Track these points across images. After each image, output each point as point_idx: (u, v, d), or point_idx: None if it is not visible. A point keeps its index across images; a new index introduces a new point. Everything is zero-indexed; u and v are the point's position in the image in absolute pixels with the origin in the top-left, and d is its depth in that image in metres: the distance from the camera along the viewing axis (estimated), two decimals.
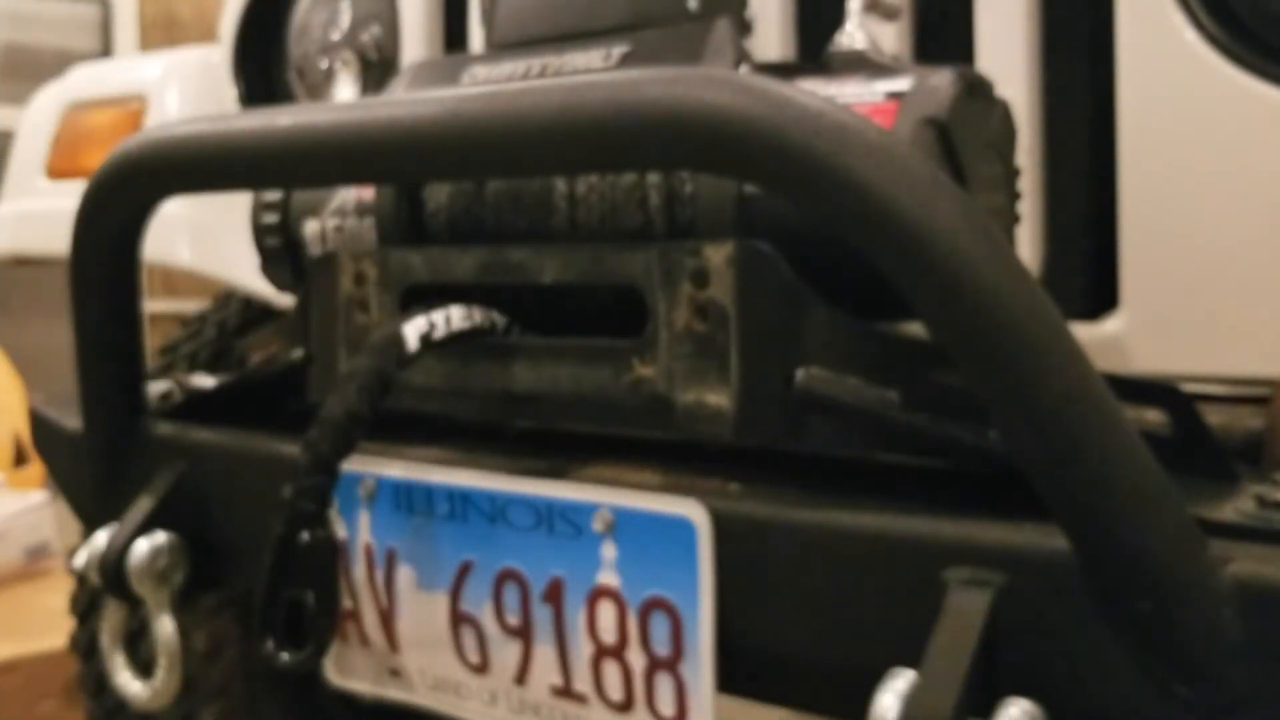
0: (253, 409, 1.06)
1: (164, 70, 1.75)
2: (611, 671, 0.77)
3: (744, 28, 0.92)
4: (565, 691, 0.80)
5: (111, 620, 1.03)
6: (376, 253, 0.94)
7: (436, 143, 0.74)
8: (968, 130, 0.78)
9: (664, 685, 0.75)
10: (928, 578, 0.65)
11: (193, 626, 1.69)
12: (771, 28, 1.05)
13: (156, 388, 1.08)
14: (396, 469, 0.87)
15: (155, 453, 1.02)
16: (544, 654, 0.80)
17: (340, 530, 0.89)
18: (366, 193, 1.00)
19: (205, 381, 1.12)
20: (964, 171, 0.78)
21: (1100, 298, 0.95)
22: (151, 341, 1.71)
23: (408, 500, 0.86)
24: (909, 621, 0.65)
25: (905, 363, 0.74)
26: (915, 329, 0.72)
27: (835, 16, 0.89)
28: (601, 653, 0.78)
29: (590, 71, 0.91)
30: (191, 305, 2.29)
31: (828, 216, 0.64)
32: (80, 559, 1.01)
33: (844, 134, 0.62)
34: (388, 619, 0.88)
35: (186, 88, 1.71)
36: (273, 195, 1.06)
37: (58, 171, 1.79)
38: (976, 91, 0.80)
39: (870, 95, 0.80)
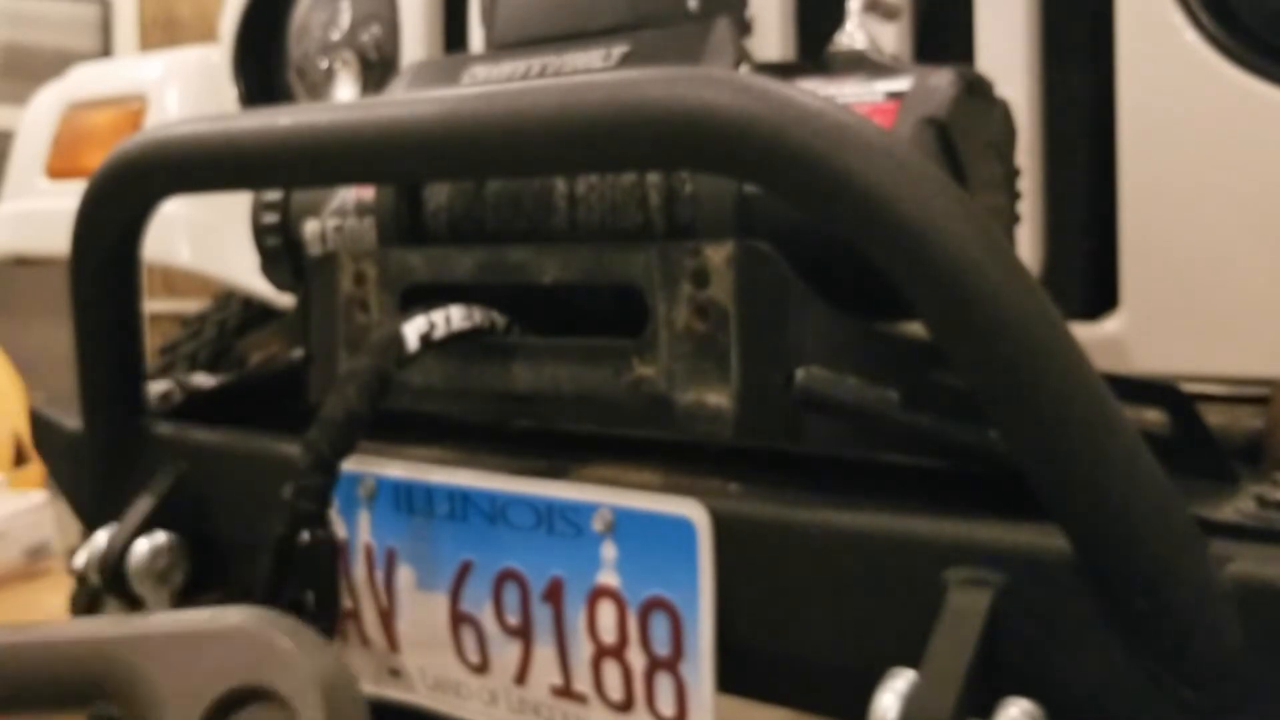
0: (253, 409, 1.06)
1: (164, 70, 1.75)
2: (611, 671, 0.77)
3: (744, 28, 0.92)
4: (565, 691, 0.80)
5: None
6: (376, 253, 0.94)
7: (436, 143, 0.74)
8: (968, 130, 0.78)
9: (664, 685, 0.75)
10: (928, 578, 0.65)
11: None
12: (771, 28, 1.05)
13: (156, 388, 1.08)
14: (396, 469, 0.87)
15: (155, 453, 1.02)
16: (544, 654, 0.80)
17: (340, 530, 0.89)
18: (366, 193, 1.00)
19: (205, 381, 1.12)
20: (964, 171, 0.78)
21: (1100, 298, 0.95)
22: (151, 341, 1.71)
23: (408, 500, 0.86)
24: (909, 621, 0.65)
25: (905, 363, 0.74)
26: (915, 329, 0.72)
27: (835, 16, 0.89)
28: (601, 653, 0.78)
29: (590, 71, 0.91)
30: (191, 305, 2.29)
31: (827, 216, 0.64)
32: (80, 559, 1.01)
33: (844, 134, 0.62)
34: (388, 619, 0.88)
35: (186, 88, 1.71)
36: (273, 195, 1.06)
37: (58, 171, 1.79)
38: (976, 91, 0.80)
39: (870, 95, 0.80)
